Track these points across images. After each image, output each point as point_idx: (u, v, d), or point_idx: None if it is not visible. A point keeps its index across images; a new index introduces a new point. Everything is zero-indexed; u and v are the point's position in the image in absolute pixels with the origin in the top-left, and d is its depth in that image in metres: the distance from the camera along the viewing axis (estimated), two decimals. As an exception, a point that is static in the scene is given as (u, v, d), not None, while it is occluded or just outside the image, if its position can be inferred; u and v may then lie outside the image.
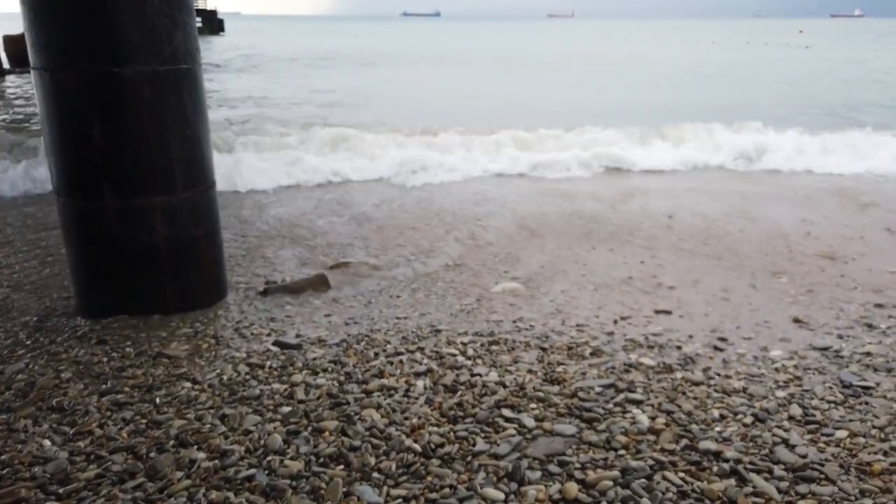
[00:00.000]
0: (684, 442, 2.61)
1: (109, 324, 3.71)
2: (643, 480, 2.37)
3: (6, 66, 20.56)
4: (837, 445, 2.62)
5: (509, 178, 8.43)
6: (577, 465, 2.46)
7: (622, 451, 2.55)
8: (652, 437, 2.64)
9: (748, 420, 2.79)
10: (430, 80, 21.88)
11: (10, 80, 18.67)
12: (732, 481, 2.38)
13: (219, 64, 26.15)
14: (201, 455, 2.48)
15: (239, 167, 7.82)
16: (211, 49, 33.88)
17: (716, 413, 2.84)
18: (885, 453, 2.56)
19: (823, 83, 21.15)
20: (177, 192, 3.75)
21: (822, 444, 2.63)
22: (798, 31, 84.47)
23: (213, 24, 52.32)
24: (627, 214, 6.59)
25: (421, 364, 3.27)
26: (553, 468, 2.44)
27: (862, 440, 2.66)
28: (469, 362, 3.30)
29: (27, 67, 3.79)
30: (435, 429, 2.68)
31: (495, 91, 18.81)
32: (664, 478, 2.39)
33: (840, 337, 3.72)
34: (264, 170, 7.91)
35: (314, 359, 3.32)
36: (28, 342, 3.55)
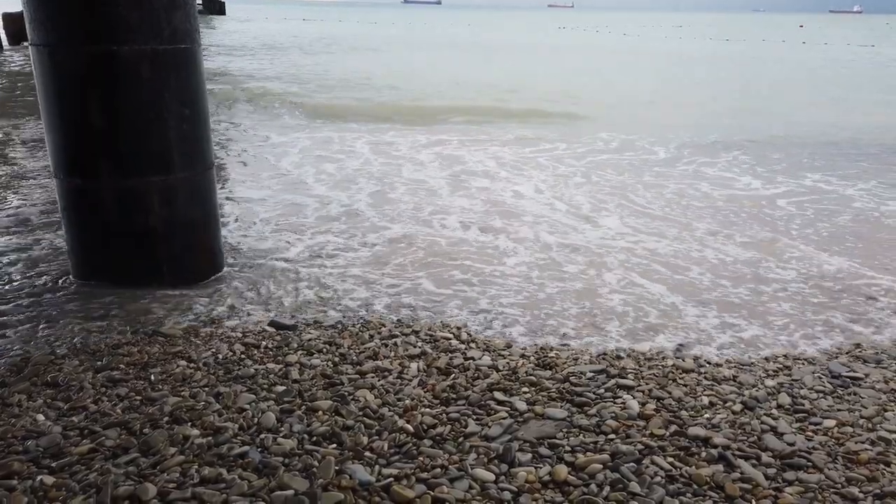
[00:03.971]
0: (674, 428, 2.64)
1: (106, 302, 3.71)
2: (632, 464, 2.40)
3: (5, 44, 20.44)
4: (825, 434, 2.66)
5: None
6: (568, 449, 2.49)
7: (612, 436, 2.58)
8: (642, 423, 2.67)
9: (737, 408, 2.82)
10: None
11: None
12: (720, 467, 2.41)
13: None
14: (195, 432, 2.50)
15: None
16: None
17: (705, 400, 2.87)
18: (873, 443, 2.60)
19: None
20: (174, 172, 3.75)
21: (810, 433, 2.66)
22: (798, 25, 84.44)
23: (214, 5, 51.89)
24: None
25: (415, 347, 3.29)
26: (544, 451, 2.47)
27: (850, 429, 2.69)
28: (463, 346, 3.33)
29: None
30: (427, 410, 2.71)
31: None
32: (653, 462, 2.42)
33: (831, 328, 3.75)
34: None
35: (309, 340, 3.34)
36: (24, 318, 3.55)
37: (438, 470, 2.34)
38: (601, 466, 2.38)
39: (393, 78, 16.83)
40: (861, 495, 2.28)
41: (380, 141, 9.14)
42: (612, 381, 2.99)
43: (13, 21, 21.02)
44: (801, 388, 3.02)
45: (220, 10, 52.53)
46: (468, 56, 26.35)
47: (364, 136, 9.50)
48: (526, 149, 8.92)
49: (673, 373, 3.12)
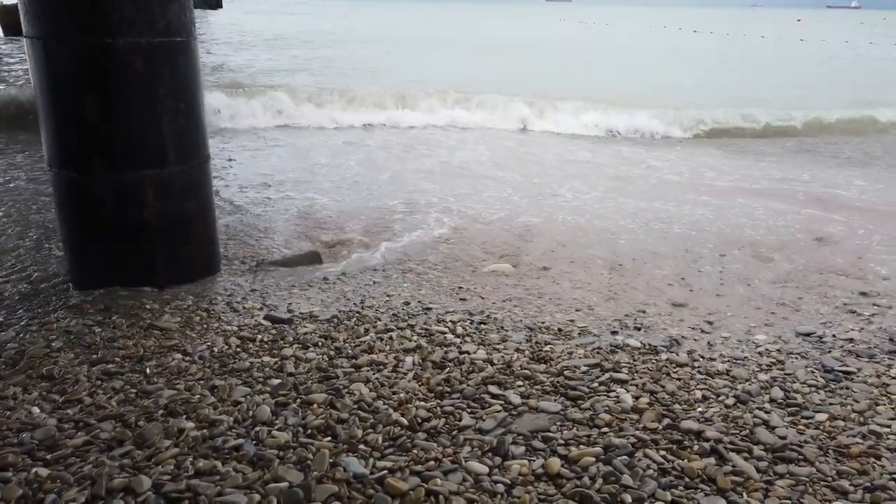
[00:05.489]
0: (666, 421, 2.65)
1: (101, 295, 3.71)
2: (625, 457, 2.41)
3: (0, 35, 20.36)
4: (817, 428, 2.67)
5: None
6: (561, 442, 2.50)
7: (605, 429, 2.59)
8: (635, 416, 2.68)
9: (730, 401, 2.83)
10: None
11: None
12: (712, 460, 2.42)
13: None
14: (190, 424, 2.51)
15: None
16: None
17: (698, 394, 2.88)
18: (864, 436, 2.61)
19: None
20: (169, 166, 3.75)
21: (801, 427, 2.68)
22: (796, 20, 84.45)
23: (209, -2, 51.43)
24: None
25: (410, 341, 3.30)
26: (537, 444, 2.48)
27: (841, 423, 2.71)
28: (458, 340, 3.34)
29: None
30: (422, 403, 2.72)
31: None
32: (646, 455, 2.43)
33: (824, 323, 3.77)
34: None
35: (305, 333, 3.35)
36: (19, 311, 3.55)
37: (432, 462, 2.35)
38: (594, 459, 2.39)
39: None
40: (851, 488, 2.30)
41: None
42: (606, 375, 3.00)
43: (7, 14, 20.90)
44: (794, 383, 3.03)
45: (217, 4, 52.20)
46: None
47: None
48: None
49: (666, 367, 3.13)
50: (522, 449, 2.45)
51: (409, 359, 3.11)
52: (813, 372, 3.15)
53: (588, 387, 2.90)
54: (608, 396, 2.83)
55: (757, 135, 11.45)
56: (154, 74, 3.56)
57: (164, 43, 3.55)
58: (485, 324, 3.58)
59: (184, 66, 3.69)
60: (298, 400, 2.72)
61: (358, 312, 3.68)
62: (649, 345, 3.38)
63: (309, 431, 2.51)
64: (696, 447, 2.49)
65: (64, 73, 3.50)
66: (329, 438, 2.47)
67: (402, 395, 2.78)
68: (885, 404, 2.86)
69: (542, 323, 3.63)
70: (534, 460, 2.39)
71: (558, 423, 2.62)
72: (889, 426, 2.68)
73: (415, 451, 2.41)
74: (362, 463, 2.33)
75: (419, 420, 2.60)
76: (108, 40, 3.40)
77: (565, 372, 3.02)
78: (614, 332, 3.53)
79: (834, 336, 3.57)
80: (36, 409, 2.60)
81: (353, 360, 3.08)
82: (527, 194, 6.73)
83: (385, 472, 2.28)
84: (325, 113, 10.93)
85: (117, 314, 3.50)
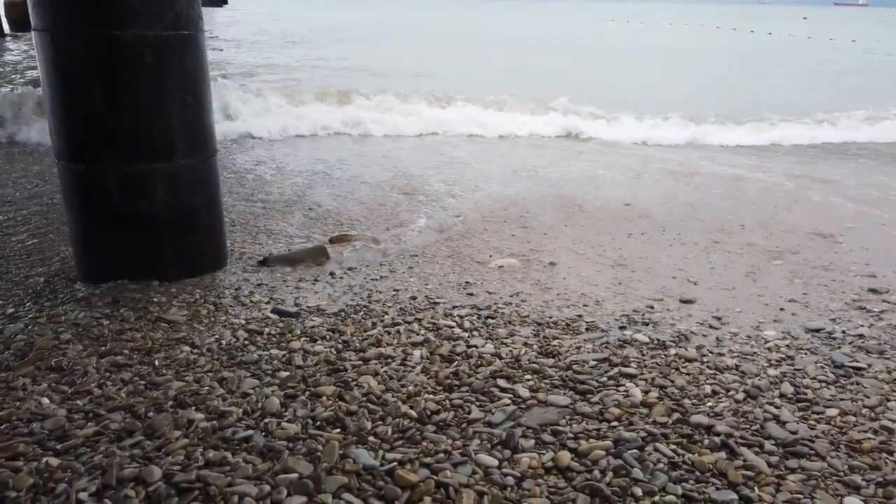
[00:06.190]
0: (676, 416, 2.64)
1: (109, 288, 3.71)
2: (635, 451, 2.40)
3: (7, 30, 20.42)
4: (828, 423, 2.66)
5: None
6: (571, 435, 2.49)
7: (615, 423, 2.58)
8: (645, 411, 2.67)
9: (740, 396, 2.82)
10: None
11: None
12: (723, 454, 2.41)
13: None
14: (199, 416, 2.51)
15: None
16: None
17: (708, 389, 2.87)
18: (875, 432, 2.60)
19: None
20: (177, 159, 3.74)
21: (812, 422, 2.67)
22: (802, 17, 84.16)
23: (216, -7, 51.33)
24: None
25: (418, 334, 3.29)
26: (546, 437, 2.48)
27: (852, 419, 2.69)
28: (465, 334, 3.33)
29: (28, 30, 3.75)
30: (431, 396, 2.71)
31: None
32: (656, 449, 2.42)
33: (833, 319, 3.75)
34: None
35: (312, 327, 3.34)
36: (28, 304, 3.56)
37: (442, 455, 2.34)
38: (604, 453, 2.38)
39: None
40: (864, 483, 2.29)
41: None
42: (615, 370, 3.00)
43: (14, 7, 20.96)
44: (804, 378, 3.02)
45: (221, 0, 52.14)
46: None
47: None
48: None
49: (675, 362, 3.12)
50: (532, 442, 2.44)
51: (416, 352, 3.10)
52: (823, 367, 3.13)
53: (597, 381, 2.89)
54: (617, 391, 2.82)
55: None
56: (162, 67, 3.55)
57: (172, 36, 3.54)
58: (492, 318, 3.57)
59: (192, 58, 3.69)
60: (307, 392, 2.72)
61: (365, 306, 3.68)
62: (658, 340, 3.37)
63: (318, 423, 2.51)
64: (706, 441, 2.48)
65: (72, 66, 3.49)
66: (338, 430, 2.47)
67: (410, 387, 2.77)
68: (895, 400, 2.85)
69: (550, 318, 3.62)
70: (543, 453, 2.38)
71: (567, 417, 2.61)
72: (900, 422, 2.67)
73: (424, 444, 2.40)
74: (372, 455, 2.32)
75: (428, 413, 2.59)
76: (116, 32, 3.40)
77: (574, 366, 3.01)
78: (622, 328, 3.52)
79: (844, 332, 3.56)
80: (45, 400, 2.60)
81: (361, 353, 3.08)
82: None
83: (395, 463, 2.28)
84: (328, 111, 10.85)
85: (125, 307, 3.50)
